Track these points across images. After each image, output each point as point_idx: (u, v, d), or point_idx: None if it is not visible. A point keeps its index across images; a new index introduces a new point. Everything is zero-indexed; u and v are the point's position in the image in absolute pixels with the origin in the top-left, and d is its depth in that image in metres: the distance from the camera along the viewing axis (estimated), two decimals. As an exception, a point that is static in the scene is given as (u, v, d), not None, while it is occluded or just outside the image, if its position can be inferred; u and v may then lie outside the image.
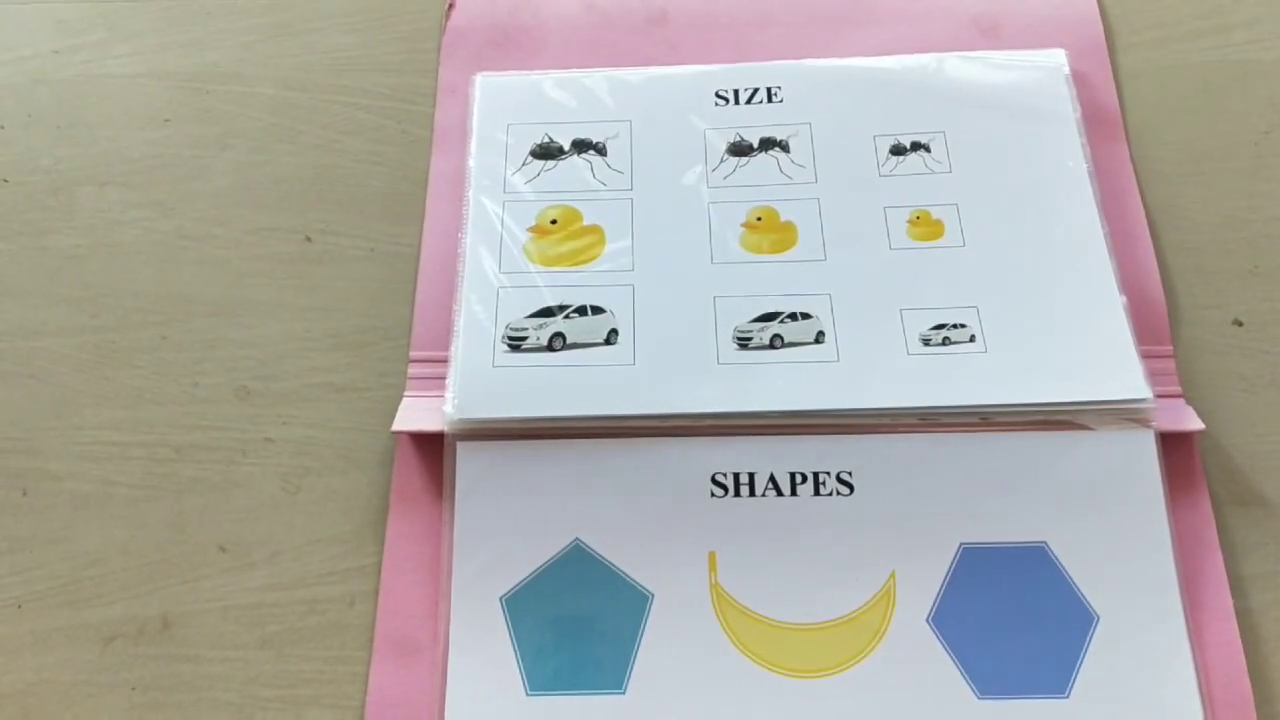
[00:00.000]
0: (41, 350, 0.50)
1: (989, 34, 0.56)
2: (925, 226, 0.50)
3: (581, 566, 0.44)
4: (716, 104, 0.54)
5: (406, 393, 0.48)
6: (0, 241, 0.52)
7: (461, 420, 0.45)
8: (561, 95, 0.55)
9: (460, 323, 0.48)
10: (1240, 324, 0.49)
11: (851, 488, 0.44)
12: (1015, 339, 0.46)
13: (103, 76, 0.57)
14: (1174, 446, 0.45)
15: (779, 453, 0.45)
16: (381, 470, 0.47)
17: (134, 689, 0.43)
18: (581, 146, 0.53)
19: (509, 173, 0.52)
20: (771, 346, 0.47)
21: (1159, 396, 0.45)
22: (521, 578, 0.44)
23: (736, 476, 0.45)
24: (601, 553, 0.44)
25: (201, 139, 0.55)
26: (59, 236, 0.52)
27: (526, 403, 0.46)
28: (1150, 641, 0.42)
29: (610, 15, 0.58)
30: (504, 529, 0.44)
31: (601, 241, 0.50)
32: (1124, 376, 0.45)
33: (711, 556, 0.44)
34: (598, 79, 0.55)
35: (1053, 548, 0.43)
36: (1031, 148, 0.51)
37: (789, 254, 0.50)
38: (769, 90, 0.54)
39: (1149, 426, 0.45)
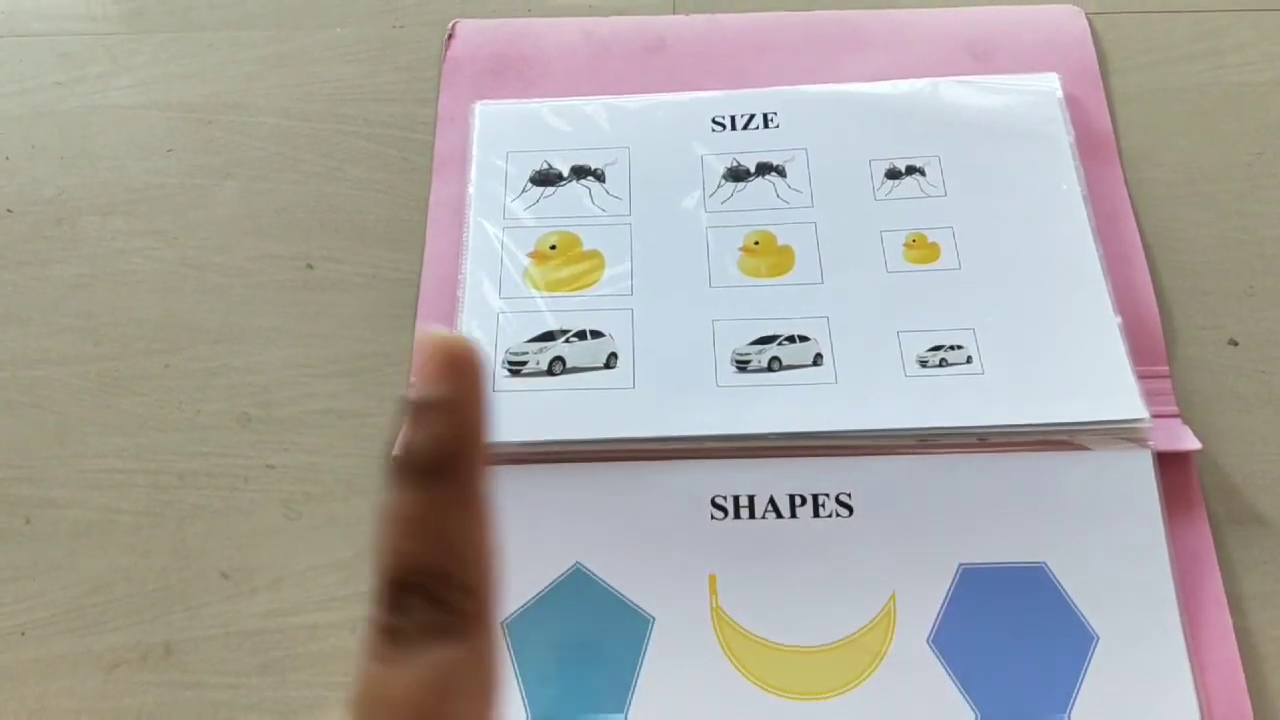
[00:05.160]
0: (45, 379, 0.50)
1: (982, 59, 0.57)
2: (921, 249, 0.50)
3: (582, 591, 0.44)
4: (713, 130, 0.54)
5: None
6: (4, 271, 0.53)
7: (462, 445, 0.45)
8: (560, 122, 0.55)
9: (460, 348, 0.48)
10: (1236, 344, 0.50)
11: (851, 509, 0.45)
12: (1012, 360, 0.47)
13: (106, 107, 0.57)
14: (1171, 466, 0.45)
15: (778, 475, 0.45)
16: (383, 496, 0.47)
17: (137, 716, 0.43)
18: (580, 173, 0.53)
19: (508, 199, 0.53)
20: (770, 369, 0.47)
21: (1156, 416, 0.45)
22: (522, 602, 0.44)
23: (736, 499, 0.45)
24: (602, 576, 0.44)
25: (204, 168, 0.55)
26: (62, 266, 0.53)
27: (526, 427, 0.46)
28: (1150, 660, 0.42)
29: (608, 44, 0.58)
30: (504, 553, 0.44)
31: (601, 266, 0.51)
32: (1120, 396, 0.45)
33: (712, 579, 0.44)
34: (596, 106, 0.55)
35: (1052, 568, 0.43)
36: (1026, 171, 0.52)
37: (786, 277, 0.50)
38: (765, 116, 0.55)
39: (1146, 446, 0.45)
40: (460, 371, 0.22)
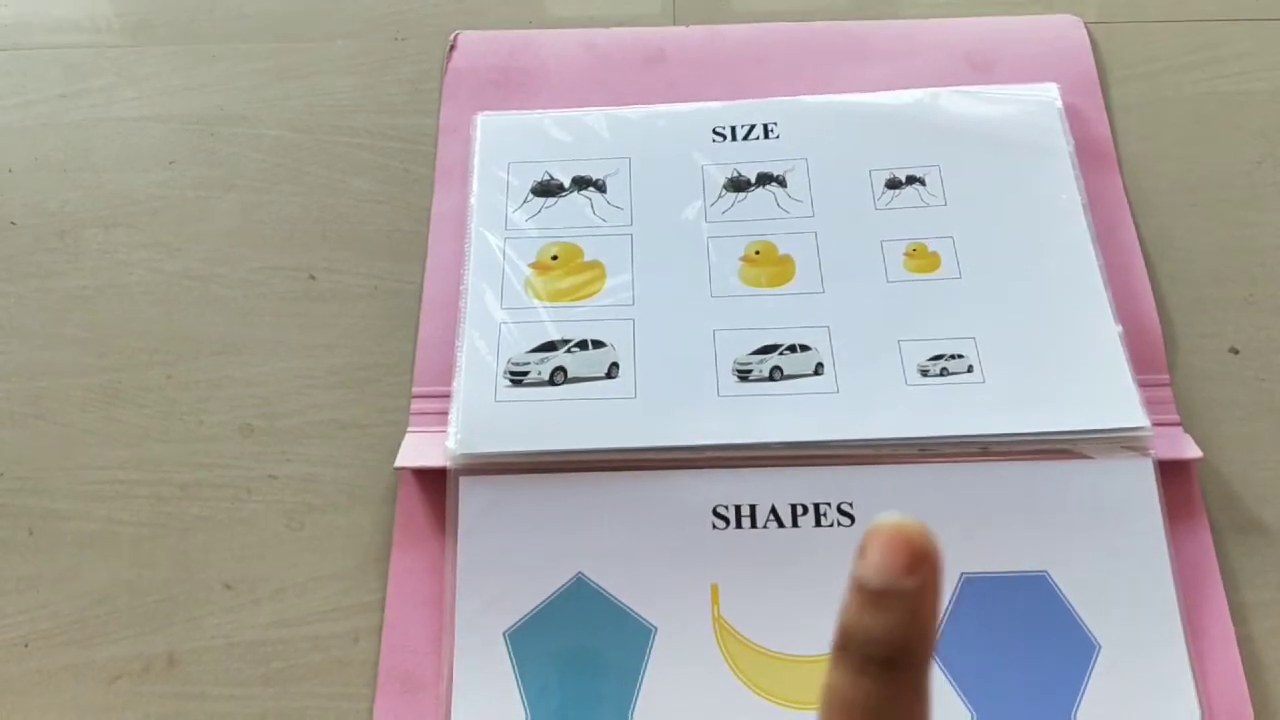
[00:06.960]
0: (48, 390, 0.50)
1: (982, 69, 0.57)
2: (922, 259, 0.50)
3: (584, 600, 0.44)
4: (714, 140, 0.55)
5: (409, 428, 0.48)
6: (8, 283, 0.53)
7: (464, 455, 0.45)
8: (561, 133, 0.55)
9: (462, 358, 0.48)
10: (1236, 352, 0.50)
11: (852, 518, 0.45)
12: (1013, 369, 0.47)
13: (109, 120, 0.58)
14: (1173, 474, 0.46)
15: (780, 484, 0.45)
16: (385, 506, 0.47)
17: (139, 727, 0.43)
18: (581, 183, 0.54)
19: (510, 210, 0.53)
20: (771, 379, 0.47)
21: (1157, 425, 0.45)
22: (525, 612, 0.44)
23: (738, 508, 0.45)
24: (604, 586, 0.44)
25: (206, 180, 0.56)
26: (65, 278, 0.53)
27: (528, 437, 0.46)
28: (1152, 669, 0.42)
29: (609, 55, 0.59)
30: (507, 563, 0.44)
31: (602, 277, 0.51)
32: (1121, 405, 0.45)
33: (714, 589, 0.44)
34: (597, 117, 0.56)
35: (1053, 576, 0.43)
36: (1025, 180, 0.52)
37: (787, 287, 0.50)
38: (765, 126, 0.55)
39: (1147, 455, 0.45)
40: (921, 562, 0.21)
